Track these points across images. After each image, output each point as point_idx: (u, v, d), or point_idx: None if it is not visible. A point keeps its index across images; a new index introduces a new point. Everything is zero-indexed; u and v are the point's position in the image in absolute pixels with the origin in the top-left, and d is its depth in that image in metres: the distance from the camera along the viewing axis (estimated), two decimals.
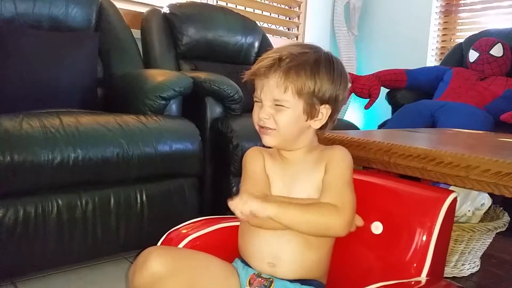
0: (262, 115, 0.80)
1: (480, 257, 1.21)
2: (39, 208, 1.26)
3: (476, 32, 2.71)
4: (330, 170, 0.81)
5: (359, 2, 3.35)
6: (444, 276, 0.87)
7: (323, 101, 0.80)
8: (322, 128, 0.85)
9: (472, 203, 1.18)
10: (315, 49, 0.82)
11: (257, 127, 0.84)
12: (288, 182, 0.84)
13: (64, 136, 1.28)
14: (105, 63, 1.93)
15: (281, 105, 0.79)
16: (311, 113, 0.81)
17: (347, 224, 0.76)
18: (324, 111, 0.82)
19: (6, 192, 1.22)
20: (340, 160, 0.82)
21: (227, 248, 0.89)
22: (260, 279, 0.80)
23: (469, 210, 1.18)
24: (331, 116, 0.83)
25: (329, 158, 0.82)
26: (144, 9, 2.30)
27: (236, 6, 2.83)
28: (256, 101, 0.83)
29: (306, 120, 0.81)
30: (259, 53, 2.52)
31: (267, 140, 0.82)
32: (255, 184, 0.84)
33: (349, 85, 0.85)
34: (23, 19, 1.72)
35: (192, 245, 0.86)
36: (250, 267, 0.83)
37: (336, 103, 0.82)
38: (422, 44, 3.14)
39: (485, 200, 1.20)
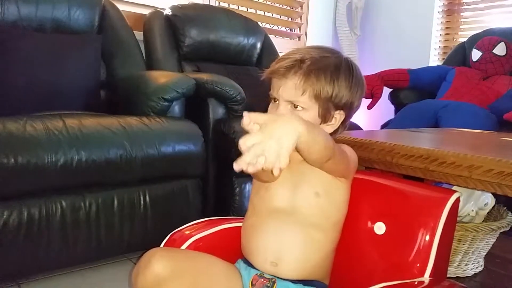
0: (277, 113, 0.79)
1: (484, 257, 1.21)
2: (43, 210, 1.27)
3: (479, 31, 2.70)
4: None
5: (361, 2, 3.35)
6: (448, 276, 0.87)
7: (338, 107, 0.80)
8: (333, 133, 0.84)
9: (476, 203, 1.18)
10: (336, 54, 0.82)
11: None
12: (293, 182, 0.83)
13: (67, 138, 1.28)
14: (108, 65, 1.94)
15: (297, 106, 0.78)
16: (325, 118, 0.80)
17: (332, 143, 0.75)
18: (338, 116, 0.82)
19: (10, 194, 1.22)
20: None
21: (230, 249, 0.90)
22: (262, 280, 0.80)
23: (472, 210, 1.18)
24: (343, 122, 0.84)
25: None
26: (146, 11, 2.30)
27: (238, 7, 2.84)
28: (272, 99, 0.82)
29: (320, 124, 0.81)
30: (261, 54, 2.53)
31: None
32: None
33: (361, 89, 0.84)
34: (26, 22, 1.73)
35: (195, 246, 0.86)
36: (253, 267, 0.83)
37: (350, 110, 0.83)
38: (425, 44, 3.13)
39: (489, 200, 1.19)
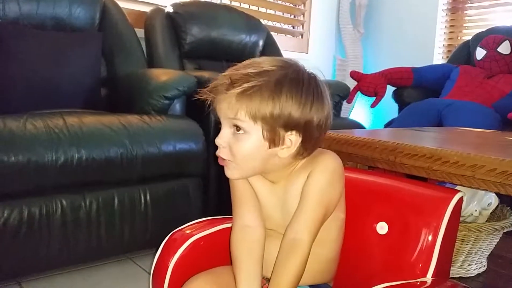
0: (218, 140, 0.72)
1: (487, 257, 1.20)
2: (43, 209, 1.27)
3: (483, 29, 2.69)
4: (310, 181, 0.74)
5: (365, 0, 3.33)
6: (450, 276, 0.86)
7: (288, 127, 0.69)
8: (298, 155, 0.73)
9: (479, 202, 1.17)
10: (282, 67, 0.70)
11: None
12: (280, 204, 0.79)
13: (68, 137, 1.28)
14: (108, 63, 1.93)
15: (239, 128, 0.70)
16: (273, 140, 0.70)
17: (308, 252, 0.72)
18: (293, 138, 0.71)
19: (11, 192, 1.22)
20: (322, 170, 0.74)
21: None
22: (268, 284, 0.80)
23: (475, 210, 1.17)
24: (304, 143, 0.72)
25: (313, 166, 0.75)
26: (147, 8, 2.30)
27: (240, 4, 2.83)
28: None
29: (270, 148, 0.71)
30: (263, 52, 2.52)
31: (227, 173, 0.75)
32: (244, 204, 0.80)
33: (329, 105, 0.73)
34: (27, 20, 1.72)
35: (196, 246, 0.85)
36: None
37: (309, 129, 0.71)
38: (429, 42, 3.12)
39: (492, 200, 1.18)
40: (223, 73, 0.72)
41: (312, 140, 0.73)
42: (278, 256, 0.73)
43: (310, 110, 0.70)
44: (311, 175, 0.74)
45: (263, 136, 0.70)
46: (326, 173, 0.75)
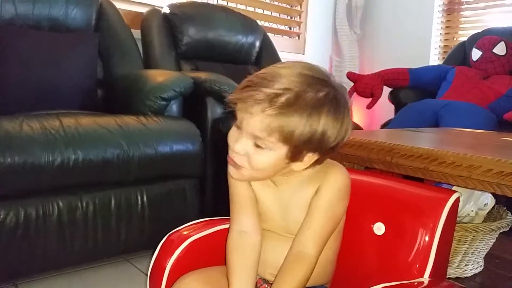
0: (237, 147, 0.68)
1: (484, 258, 1.20)
2: (39, 210, 1.27)
3: (479, 30, 2.70)
4: (319, 196, 0.74)
5: (361, 1, 3.34)
6: (447, 276, 0.86)
7: (311, 149, 0.68)
8: (310, 167, 0.73)
9: (475, 203, 1.17)
10: (321, 83, 0.66)
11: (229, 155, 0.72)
12: (283, 207, 0.79)
13: (64, 138, 1.28)
14: (105, 63, 1.93)
15: (261, 147, 0.67)
16: (293, 158, 0.69)
17: (314, 265, 0.73)
18: (310, 157, 0.70)
19: (7, 194, 1.22)
20: (332, 186, 0.75)
21: None
22: (266, 285, 0.80)
23: (472, 210, 1.17)
24: (319, 159, 0.71)
25: (323, 180, 0.75)
26: (144, 9, 2.29)
27: (236, 5, 2.82)
28: (236, 125, 0.70)
29: (287, 163, 0.70)
30: (260, 53, 2.52)
31: (233, 173, 0.72)
32: (243, 209, 0.79)
33: (351, 122, 0.71)
34: (23, 20, 1.72)
35: (193, 247, 0.85)
36: None
37: (328, 150, 0.70)
38: (425, 43, 3.13)
39: (488, 200, 1.19)
40: (255, 80, 0.66)
41: (327, 156, 0.73)
42: (283, 265, 0.74)
43: (340, 130, 0.68)
44: (321, 189, 0.75)
45: (286, 155, 0.68)
46: (336, 189, 0.75)
